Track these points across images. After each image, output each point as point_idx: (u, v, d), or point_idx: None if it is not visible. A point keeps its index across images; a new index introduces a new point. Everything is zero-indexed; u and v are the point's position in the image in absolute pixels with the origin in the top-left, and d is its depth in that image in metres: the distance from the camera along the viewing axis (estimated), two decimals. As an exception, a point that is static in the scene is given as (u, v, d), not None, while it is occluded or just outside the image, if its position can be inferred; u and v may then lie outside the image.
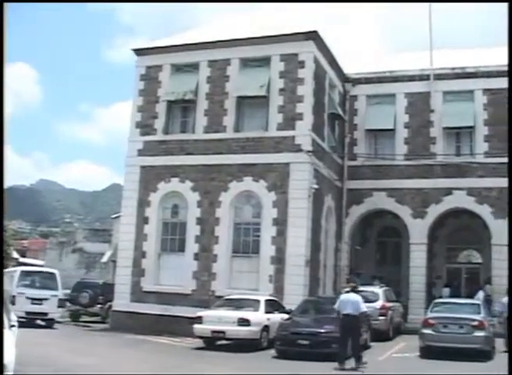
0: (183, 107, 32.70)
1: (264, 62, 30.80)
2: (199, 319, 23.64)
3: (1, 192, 24.12)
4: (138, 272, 30.87)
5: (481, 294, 30.71)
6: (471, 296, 30.81)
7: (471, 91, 34.10)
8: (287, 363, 20.09)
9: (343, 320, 19.93)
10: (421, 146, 34.40)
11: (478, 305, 24.11)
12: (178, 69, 32.40)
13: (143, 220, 31.27)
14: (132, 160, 32.12)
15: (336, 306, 20.48)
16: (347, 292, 21.07)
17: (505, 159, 32.19)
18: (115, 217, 59.57)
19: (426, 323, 22.41)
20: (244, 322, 22.76)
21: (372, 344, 24.33)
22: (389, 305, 27.57)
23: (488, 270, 33.47)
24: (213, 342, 23.67)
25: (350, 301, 20.09)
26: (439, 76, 34.36)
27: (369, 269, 36.37)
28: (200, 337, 23.82)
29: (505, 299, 22.84)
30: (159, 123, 31.98)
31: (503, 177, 32.00)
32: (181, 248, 30.71)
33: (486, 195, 32.99)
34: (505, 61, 33.25)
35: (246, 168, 30.02)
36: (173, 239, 31.12)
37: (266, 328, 23.32)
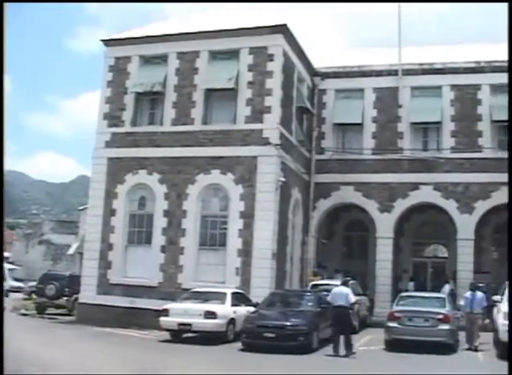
0: (151, 99, 32.55)
1: (233, 54, 30.75)
2: (165, 312, 23.60)
3: (1, 192, 23.96)
4: (105, 264, 30.75)
5: (447, 288, 31.03)
6: (437, 290, 31.12)
7: (439, 87, 34.39)
8: (253, 356, 20.14)
9: (335, 311, 21.54)
10: (388, 141, 34.62)
11: (443, 298, 24.37)
12: (147, 60, 32.26)
13: (110, 212, 31.13)
14: (99, 152, 31.92)
15: (328, 299, 22.15)
16: (336, 285, 22.94)
17: (471, 154, 32.74)
18: (82, 209, 59.35)
19: (392, 317, 22.60)
20: (210, 315, 22.77)
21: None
22: (355, 298, 27.69)
23: (453, 264, 33.78)
24: (179, 335, 23.66)
25: (342, 293, 21.75)
26: (407, 72, 34.59)
27: (336, 262, 36.53)
28: (167, 330, 23.79)
29: (468, 293, 22.98)
30: (127, 115, 31.83)
31: (468, 173, 32.53)
32: (148, 241, 30.63)
33: (452, 190, 33.31)
34: (471, 57, 33.72)
35: (213, 161, 29.98)
36: (140, 231, 31.02)
37: (232, 321, 23.36)
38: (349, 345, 20.85)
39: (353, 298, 22.21)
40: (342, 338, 21.06)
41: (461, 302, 23.72)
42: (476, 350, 21.71)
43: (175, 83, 31.30)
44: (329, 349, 21.58)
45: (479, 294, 22.81)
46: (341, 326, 21.33)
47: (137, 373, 16.15)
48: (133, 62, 32.21)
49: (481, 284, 28.15)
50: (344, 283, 22.97)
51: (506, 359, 19.94)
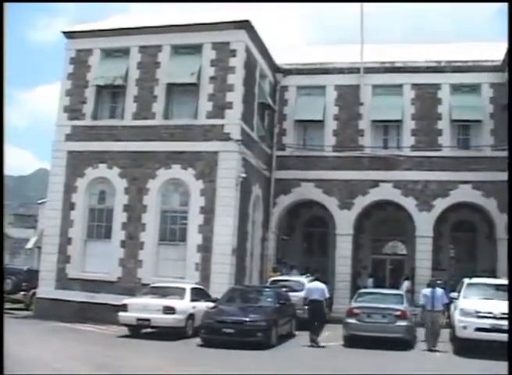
0: (112, 92, 32.33)
1: (196, 49, 30.68)
2: (124, 307, 23.48)
3: (2, 191, 23.64)
4: (64, 258, 30.49)
5: (406, 285, 31.32)
6: (396, 286, 31.40)
7: (400, 86, 34.69)
8: (212, 351, 20.14)
9: (311, 305, 23.13)
10: (349, 138, 34.80)
11: (401, 295, 24.62)
12: (108, 53, 32.03)
13: (69, 206, 30.87)
14: (59, 145, 31.62)
15: (303, 293, 24.26)
16: (311, 281, 25.05)
17: (430, 153, 33.10)
18: (41, 203, 58.74)
19: (350, 313, 22.74)
20: (169, 310, 22.72)
21: (297, 333, 24.60)
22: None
23: (412, 261, 34.12)
24: (138, 330, 23.57)
25: (317, 288, 23.45)
26: (369, 70, 34.80)
27: (296, 259, 36.66)
28: (126, 325, 23.67)
29: (428, 291, 22.94)
30: (88, 108, 31.58)
31: (428, 171, 32.87)
32: (107, 235, 30.44)
33: (412, 188, 33.63)
34: (432, 57, 34.04)
35: (174, 155, 29.89)
36: (100, 226, 30.82)
37: (191, 316, 23.33)
38: (317, 335, 22.66)
39: (327, 293, 24.19)
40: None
41: (421, 300, 23.63)
42: (436, 350, 21.57)
43: (136, 77, 31.13)
44: (288, 345, 21.85)
45: (439, 290, 22.65)
46: (315, 318, 22.96)
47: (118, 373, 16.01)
48: (95, 54, 31.94)
49: (438, 281, 28.47)
50: (318, 279, 24.40)
51: (462, 355, 20.35)
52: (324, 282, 26.28)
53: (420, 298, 23.96)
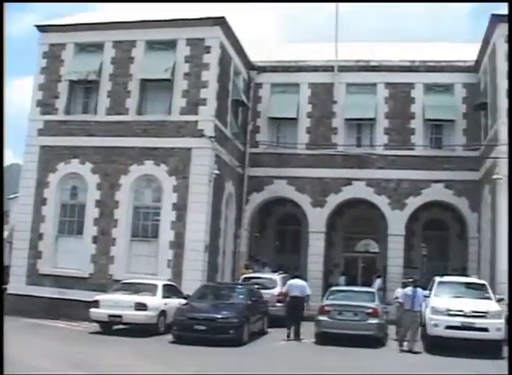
0: (85, 87, 32.11)
1: (170, 45, 30.59)
2: (96, 304, 23.35)
3: (2, 190, 23.35)
4: (35, 254, 30.27)
5: (378, 283, 31.45)
6: (368, 284, 31.52)
7: (374, 84, 34.81)
8: (184, 348, 20.09)
9: (291, 301, 23.85)
10: (322, 136, 34.87)
11: (373, 293, 24.72)
12: (82, 48, 31.80)
13: (41, 201, 30.63)
14: (31, 140, 31.37)
15: (284, 289, 25.00)
16: (291, 278, 25.26)
17: (403, 152, 33.30)
18: (13, 198, 58.20)
19: (322, 310, 22.79)
20: (141, 306, 22.62)
21: (269, 330, 24.63)
22: (284, 291, 27.84)
23: (384, 259, 34.28)
24: (110, 327, 23.44)
25: (297, 285, 24.17)
26: (343, 68, 34.87)
27: (268, 256, 36.68)
28: (97, 322, 23.54)
29: (409, 289, 22.43)
30: (61, 103, 31.35)
31: (400, 169, 33.07)
32: (79, 231, 30.28)
33: (384, 187, 33.80)
34: (406, 56, 34.20)
35: (147, 151, 29.80)
36: (71, 221, 30.64)
37: (163, 313, 23.25)
38: (298, 332, 23.26)
39: (308, 290, 24.84)
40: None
41: (400, 299, 23.34)
42: (414, 352, 21.05)
43: (110, 72, 30.96)
44: (260, 342, 21.91)
45: (419, 290, 22.27)
46: (295, 314, 23.59)
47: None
48: (68, 49, 31.70)
49: (411, 279, 28.64)
50: (298, 276, 25.12)
51: (432, 352, 20.49)
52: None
53: (399, 296, 23.73)
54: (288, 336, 23.14)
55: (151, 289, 24.08)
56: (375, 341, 22.07)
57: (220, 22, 30.32)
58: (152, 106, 30.81)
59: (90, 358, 17.58)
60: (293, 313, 23.68)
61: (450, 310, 20.88)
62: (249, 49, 34.47)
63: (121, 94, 30.65)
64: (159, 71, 30.18)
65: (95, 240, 29.75)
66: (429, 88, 34.31)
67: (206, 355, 19.08)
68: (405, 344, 21.34)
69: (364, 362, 19.10)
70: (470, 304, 21.20)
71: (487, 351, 20.20)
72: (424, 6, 73.84)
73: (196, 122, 29.56)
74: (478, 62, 33.11)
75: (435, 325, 20.99)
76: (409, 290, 22.07)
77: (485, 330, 20.25)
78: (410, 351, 20.92)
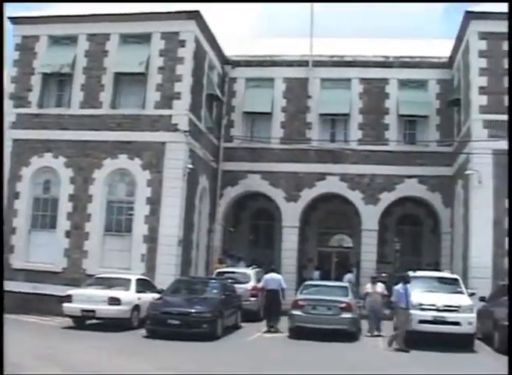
0: (59, 80, 31.89)
1: (145, 39, 30.50)
2: (69, 298, 23.17)
3: (1, 191, 22.94)
4: (7, 248, 29.95)
5: (347, 277, 31.56)
6: (341, 279, 31.62)
7: (348, 80, 34.93)
8: (157, 343, 20.03)
9: (268, 295, 24.67)
10: (296, 131, 34.93)
11: (347, 287, 24.75)
12: (55, 41, 31.58)
13: (13, 195, 30.39)
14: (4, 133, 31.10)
15: (261, 284, 25.62)
16: (267, 272, 25.83)
17: (377, 147, 33.43)
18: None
19: (296, 305, 22.81)
20: (115, 301, 22.49)
21: (243, 324, 24.65)
22: (260, 286, 27.90)
23: (357, 254, 34.42)
24: (83, 321, 23.28)
25: (274, 279, 24.84)
26: (318, 63, 34.95)
27: (242, 250, 36.62)
28: (70, 316, 23.38)
29: (400, 286, 21.94)
30: (34, 96, 31.13)
31: (374, 165, 33.21)
32: (52, 225, 30.12)
33: (358, 181, 33.93)
34: (380, 52, 34.32)
35: (121, 145, 29.70)
36: (44, 215, 30.46)
37: (137, 307, 23.15)
38: (276, 322, 24.09)
39: (284, 284, 25.13)
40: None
41: (392, 297, 22.53)
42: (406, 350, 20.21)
43: (84, 65, 30.79)
44: (233, 336, 21.93)
45: (409, 287, 21.35)
46: (272, 307, 24.33)
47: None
48: (42, 41, 31.45)
49: (384, 274, 28.89)
50: (274, 270, 25.74)
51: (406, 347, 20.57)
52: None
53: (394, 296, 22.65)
54: (270, 326, 23.87)
55: (124, 283, 23.96)
56: (348, 336, 22.14)
57: (195, 16, 30.25)
58: (126, 100, 30.70)
59: (60, 353, 17.45)
60: (270, 306, 24.37)
61: (423, 304, 20.98)
62: (224, 43, 34.44)
63: (95, 88, 30.49)
64: (133, 65, 30.06)
65: (68, 234, 29.61)
66: (403, 84, 34.49)
67: (179, 350, 19.03)
68: (393, 343, 20.56)
69: (337, 356, 19.15)
70: (442, 298, 21.32)
71: (459, 345, 20.33)
72: (399, 4, 73.96)
73: (170, 116, 29.50)
74: (452, 58, 33.32)
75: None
76: (401, 287, 21.24)
77: (457, 324, 20.39)
78: (401, 350, 20.04)
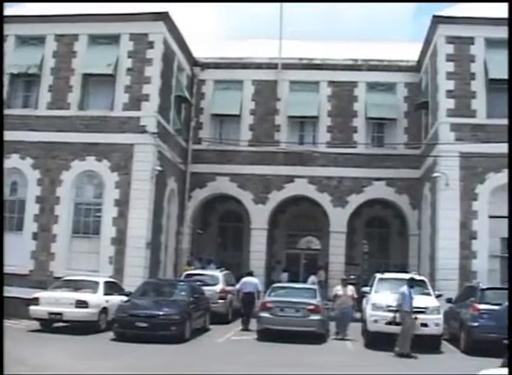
0: (26, 81, 31.66)
1: (114, 40, 30.41)
2: (35, 301, 22.98)
3: (1, 192, 22.59)
4: (-28, 250, 29.72)
5: (311, 279, 31.68)
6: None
7: (317, 82, 35.07)
8: (125, 345, 19.94)
9: (244, 296, 25.74)
10: (265, 133, 34.98)
11: (315, 289, 24.83)
12: (23, 41, 31.31)
13: (-21, 197, 30.10)
14: (-30, 134, 30.80)
15: (238, 286, 26.59)
16: (246, 275, 26.94)
17: (345, 150, 33.50)
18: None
19: (264, 307, 22.84)
20: (82, 304, 22.33)
21: (211, 326, 24.60)
22: (228, 288, 27.89)
23: (326, 256, 34.53)
24: (50, 324, 23.09)
25: (250, 282, 26.00)
26: (287, 66, 35.04)
27: (211, 253, 36.65)
28: (37, 319, 23.17)
29: (405, 289, 21.51)
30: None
31: (342, 167, 33.38)
32: (19, 227, 29.83)
33: (326, 184, 34.06)
34: (349, 55, 34.48)
35: (89, 147, 29.53)
36: (11, 217, 30.07)
37: (105, 310, 22.99)
38: (247, 323, 25.16)
39: (260, 286, 26.53)
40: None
41: (397, 299, 21.71)
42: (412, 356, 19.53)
43: (52, 66, 30.58)
44: (202, 339, 21.95)
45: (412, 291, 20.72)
46: (248, 307, 25.49)
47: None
48: (9, 41, 31.05)
49: (352, 276, 29.05)
50: (251, 274, 27.14)
51: (372, 348, 20.75)
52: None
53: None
54: (244, 327, 25.01)
55: (92, 286, 23.79)
56: (317, 337, 22.20)
57: (164, 17, 30.19)
58: (94, 101, 30.55)
59: (26, 355, 17.30)
60: (247, 308, 25.55)
61: (390, 306, 21.07)
62: (193, 45, 34.41)
63: (63, 89, 30.30)
64: (102, 66, 29.93)
65: (35, 236, 29.38)
66: (372, 87, 34.70)
67: (147, 352, 18.94)
68: (396, 349, 19.81)
69: (304, 358, 19.16)
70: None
71: (426, 346, 20.46)
72: (368, 6, 74.41)
73: (138, 118, 29.43)
74: (420, 61, 33.58)
75: (376, 321, 21.22)
76: (405, 289, 20.45)
77: (425, 325, 20.52)
78: (406, 356, 19.31)
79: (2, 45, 27.06)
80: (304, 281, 32.47)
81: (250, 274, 27.18)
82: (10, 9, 32.85)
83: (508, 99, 27.42)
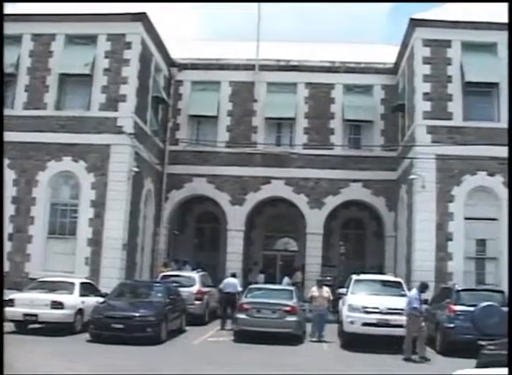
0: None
1: (91, 40, 30.28)
2: (10, 302, 22.76)
3: (1, 192, 22.36)
4: None
5: (285, 281, 31.74)
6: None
7: (294, 84, 35.14)
8: (101, 347, 19.84)
9: (225, 296, 26.44)
10: (242, 134, 35.01)
11: (291, 291, 24.87)
12: (-1, 40, 31.11)
13: (-46, 197, 29.86)
14: None
15: (220, 286, 27.05)
16: (229, 277, 27.66)
17: (322, 151, 33.59)
18: None
19: (241, 308, 22.88)
20: (57, 305, 22.19)
21: (188, 328, 24.55)
22: (205, 290, 27.87)
23: (302, 258, 34.60)
24: (25, 326, 22.92)
25: (231, 283, 26.62)
26: (264, 67, 35.10)
27: (187, 254, 36.59)
28: (12, 321, 22.99)
29: (415, 292, 21.27)
30: (-24, 97, 30.63)
31: (319, 169, 33.47)
32: (-6, 228, 29.63)
33: (303, 185, 34.14)
34: (326, 57, 34.58)
35: (66, 147, 29.38)
36: (-14, 218, 29.95)
37: (80, 311, 22.86)
38: (225, 322, 25.67)
39: (239, 287, 26.97)
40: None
41: (410, 303, 21.44)
42: (427, 359, 19.34)
43: (28, 65, 30.39)
44: (178, 340, 21.94)
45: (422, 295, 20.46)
46: (227, 307, 26.01)
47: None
48: (-16, 41, 30.95)
49: (328, 277, 29.15)
50: (233, 275, 27.86)
51: (348, 349, 20.85)
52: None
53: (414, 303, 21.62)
54: (222, 327, 25.44)
55: (67, 287, 23.65)
56: (293, 339, 22.24)
57: (141, 18, 30.12)
58: (71, 101, 30.43)
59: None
60: (226, 307, 26.21)
61: (366, 307, 21.20)
62: (170, 46, 34.37)
63: (39, 89, 30.13)
64: (79, 66, 29.79)
65: (11, 237, 29.11)
66: (349, 89, 34.83)
67: (122, 354, 18.88)
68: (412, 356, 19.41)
69: (279, 359, 19.18)
70: (385, 301, 21.55)
71: (402, 347, 20.54)
72: (344, 6, 74.66)
73: (115, 118, 29.35)
74: (397, 64, 33.73)
75: (352, 322, 21.32)
76: (416, 293, 20.16)
77: (400, 326, 20.56)
78: (424, 359, 19.15)
79: (2, 45, 26.88)
80: (281, 283, 32.54)
81: (234, 275, 27.78)
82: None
83: (508, 100, 27.65)
